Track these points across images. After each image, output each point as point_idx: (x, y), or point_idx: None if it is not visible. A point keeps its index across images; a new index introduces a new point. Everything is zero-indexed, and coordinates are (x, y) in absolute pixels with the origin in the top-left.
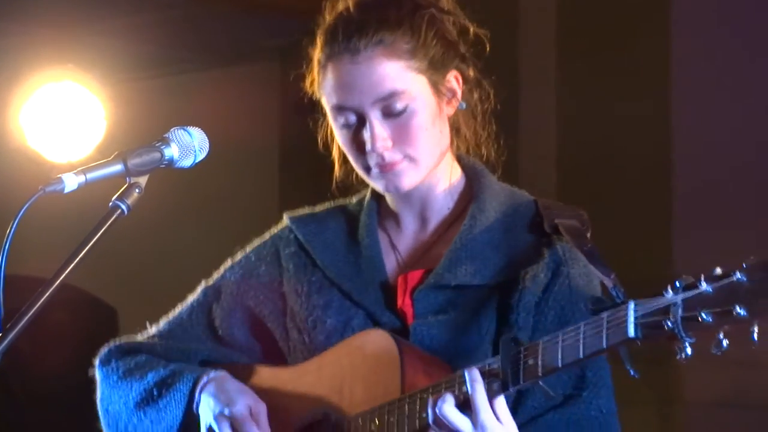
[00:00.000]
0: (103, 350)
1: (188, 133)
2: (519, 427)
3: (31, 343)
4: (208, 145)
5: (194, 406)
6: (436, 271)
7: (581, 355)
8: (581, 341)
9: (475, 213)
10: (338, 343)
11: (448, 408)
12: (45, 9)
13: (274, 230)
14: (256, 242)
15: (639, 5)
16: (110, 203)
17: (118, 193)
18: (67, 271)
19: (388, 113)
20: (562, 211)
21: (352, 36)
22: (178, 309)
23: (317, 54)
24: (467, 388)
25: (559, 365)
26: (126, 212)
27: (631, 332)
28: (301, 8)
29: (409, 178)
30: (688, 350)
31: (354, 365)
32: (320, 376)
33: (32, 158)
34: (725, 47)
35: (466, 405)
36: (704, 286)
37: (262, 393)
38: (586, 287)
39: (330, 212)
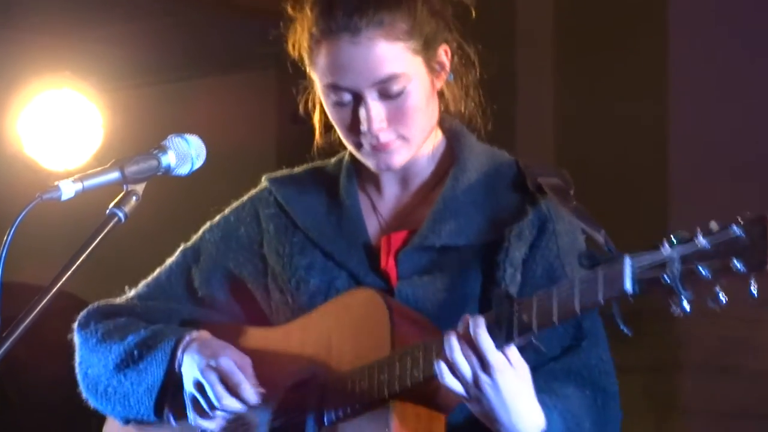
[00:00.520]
0: (82, 314)
1: (185, 140)
2: None
3: (27, 350)
4: (205, 153)
5: (176, 365)
6: (420, 231)
7: (577, 309)
8: (576, 296)
9: (457, 174)
10: (324, 303)
11: (482, 332)
12: (42, 16)
13: (253, 192)
14: (235, 204)
15: (636, 6)
16: (107, 211)
17: (116, 200)
18: (64, 279)
19: (385, 94)
20: (544, 169)
21: (352, 14)
22: (157, 272)
23: (308, 24)
24: (471, 331)
25: (555, 320)
26: (123, 220)
27: (628, 286)
28: None
29: (400, 156)
30: (686, 306)
31: (342, 324)
32: (307, 336)
33: (29, 165)
34: (723, 48)
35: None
36: (701, 240)
37: (248, 352)
38: (572, 243)
39: (309, 173)
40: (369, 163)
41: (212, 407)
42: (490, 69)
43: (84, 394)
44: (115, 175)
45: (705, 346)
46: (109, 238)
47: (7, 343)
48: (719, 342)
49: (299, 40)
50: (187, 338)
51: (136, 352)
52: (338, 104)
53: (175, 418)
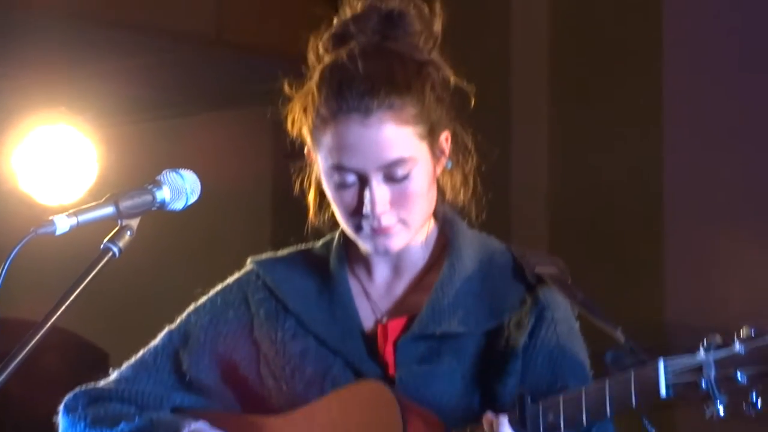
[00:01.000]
0: (69, 396)
1: (180, 175)
2: None
3: (21, 386)
4: (199, 188)
5: None
6: (419, 319)
7: (608, 413)
8: (607, 399)
9: (454, 261)
10: (327, 393)
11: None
12: (37, 52)
13: (239, 275)
14: (221, 287)
15: (630, 41)
16: (102, 246)
17: (110, 235)
18: (57, 314)
19: (390, 178)
20: (539, 258)
21: (363, 95)
22: (141, 353)
23: (314, 103)
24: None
25: (584, 421)
26: (117, 255)
27: (663, 392)
28: (291, 52)
29: (399, 240)
30: (721, 411)
31: (348, 417)
32: (312, 427)
33: (24, 201)
34: (718, 82)
35: None
36: (737, 346)
37: None
38: (570, 329)
39: (296, 256)
40: (366, 245)
41: None
42: (483, 109)
43: None
44: (109, 209)
45: None
46: (103, 273)
47: (0, 379)
48: None
49: (300, 118)
50: (186, 430)
51: None
52: (342, 185)
53: None
